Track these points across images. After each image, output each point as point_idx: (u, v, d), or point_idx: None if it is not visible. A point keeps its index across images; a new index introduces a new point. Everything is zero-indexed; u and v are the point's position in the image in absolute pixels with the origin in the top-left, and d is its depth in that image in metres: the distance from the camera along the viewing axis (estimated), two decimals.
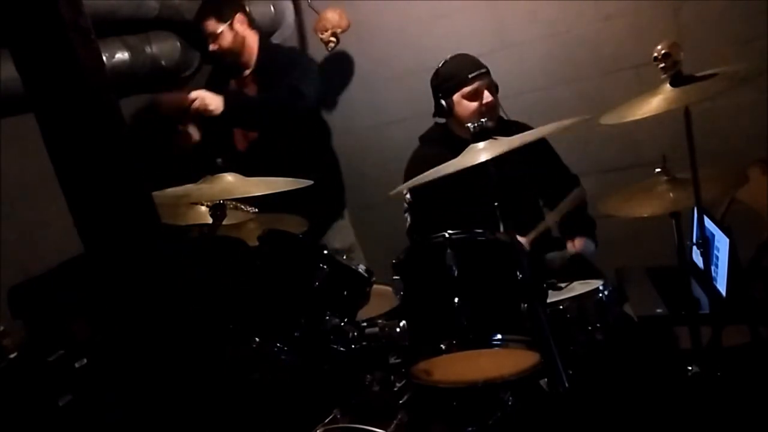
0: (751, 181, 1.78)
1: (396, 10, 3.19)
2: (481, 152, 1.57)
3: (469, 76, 2.22)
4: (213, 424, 1.16)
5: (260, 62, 2.83)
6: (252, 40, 2.82)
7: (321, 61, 3.39)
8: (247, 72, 2.86)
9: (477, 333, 1.67)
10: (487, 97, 2.23)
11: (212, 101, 2.53)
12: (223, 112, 2.54)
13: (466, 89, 2.23)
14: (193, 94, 2.53)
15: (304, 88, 2.65)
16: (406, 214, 2.41)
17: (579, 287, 1.94)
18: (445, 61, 2.31)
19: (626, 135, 2.82)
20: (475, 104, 2.23)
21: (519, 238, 1.96)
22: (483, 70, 2.25)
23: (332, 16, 3.05)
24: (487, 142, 1.61)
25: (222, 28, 2.73)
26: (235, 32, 2.76)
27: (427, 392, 1.71)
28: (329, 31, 3.04)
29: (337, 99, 3.46)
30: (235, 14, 2.76)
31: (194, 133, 2.72)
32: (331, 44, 3.07)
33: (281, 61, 2.82)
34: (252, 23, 2.85)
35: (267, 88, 2.76)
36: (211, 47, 2.76)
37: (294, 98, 2.65)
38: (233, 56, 2.81)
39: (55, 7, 0.96)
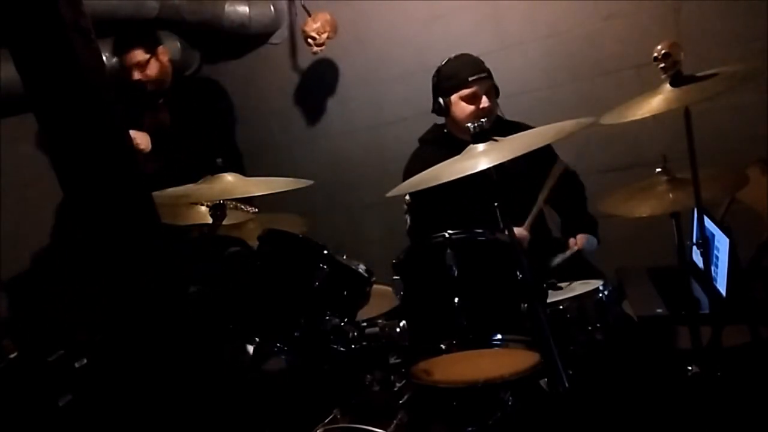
0: (751, 181, 1.78)
1: (396, 10, 3.18)
2: (482, 155, 1.56)
3: (469, 78, 2.20)
4: (213, 424, 1.16)
5: (173, 92, 2.96)
6: (170, 70, 2.94)
7: (320, 61, 3.39)
8: (161, 101, 2.95)
9: (477, 333, 1.66)
10: (484, 102, 2.20)
11: (141, 140, 2.76)
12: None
13: (465, 91, 2.21)
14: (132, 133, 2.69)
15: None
16: (406, 215, 2.40)
17: (579, 287, 1.94)
18: (449, 60, 2.29)
19: (626, 135, 2.82)
20: (471, 107, 2.21)
21: (516, 228, 1.96)
22: (483, 74, 2.22)
23: (322, 21, 3.03)
24: (487, 143, 1.60)
25: (148, 57, 2.84)
26: (160, 62, 2.88)
27: (427, 392, 1.71)
28: (317, 35, 3.02)
29: (337, 99, 3.46)
30: (158, 46, 2.88)
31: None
32: (317, 48, 3.06)
33: (196, 90, 3.06)
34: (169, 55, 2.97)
35: (182, 115, 2.91)
36: (136, 76, 2.84)
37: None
38: (156, 85, 2.90)
39: (55, 7, 0.96)
